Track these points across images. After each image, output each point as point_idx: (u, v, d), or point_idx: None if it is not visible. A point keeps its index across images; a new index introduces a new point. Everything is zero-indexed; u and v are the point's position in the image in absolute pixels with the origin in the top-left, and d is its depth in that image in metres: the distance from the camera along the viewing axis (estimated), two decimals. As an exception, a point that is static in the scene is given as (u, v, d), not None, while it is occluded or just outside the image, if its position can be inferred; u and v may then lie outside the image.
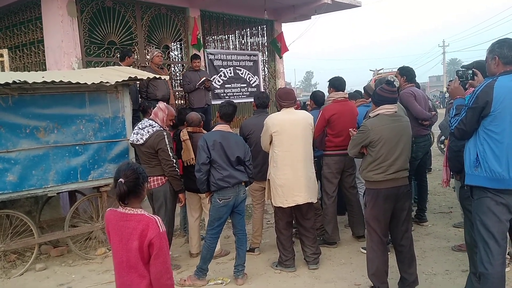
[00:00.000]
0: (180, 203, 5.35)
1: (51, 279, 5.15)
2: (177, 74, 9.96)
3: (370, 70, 22.90)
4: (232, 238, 5.25)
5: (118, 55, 7.59)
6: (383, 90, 4.18)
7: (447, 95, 19.96)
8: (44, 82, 4.95)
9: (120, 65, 7.13)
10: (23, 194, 5.13)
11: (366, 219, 4.26)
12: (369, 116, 4.28)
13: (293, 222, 5.17)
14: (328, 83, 5.92)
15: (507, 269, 3.95)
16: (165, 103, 5.36)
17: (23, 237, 5.37)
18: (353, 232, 5.97)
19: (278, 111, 5.04)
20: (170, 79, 8.91)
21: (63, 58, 7.06)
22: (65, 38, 7.07)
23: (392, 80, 5.70)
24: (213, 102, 8.68)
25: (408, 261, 4.21)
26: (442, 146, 11.17)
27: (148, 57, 8.61)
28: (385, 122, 4.10)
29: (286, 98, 4.90)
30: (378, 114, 4.16)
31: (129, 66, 7.19)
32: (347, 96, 5.84)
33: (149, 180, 5.05)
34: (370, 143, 4.09)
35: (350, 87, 6.42)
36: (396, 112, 4.19)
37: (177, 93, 9.91)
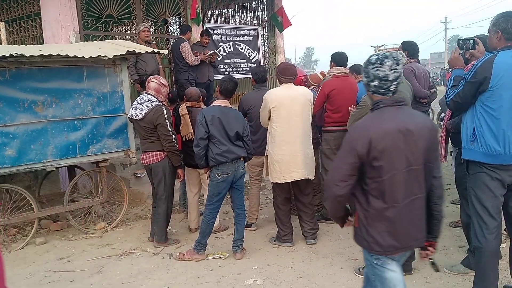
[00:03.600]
0: (179, 178, 5.38)
1: (51, 253, 5.21)
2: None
3: (371, 46, 22.72)
4: (231, 213, 5.29)
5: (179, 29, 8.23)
6: None
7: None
8: (41, 55, 4.90)
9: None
10: (22, 168, 5.14)
11: None
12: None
13: (292, 197, 5.21)
14: (330, 57, 5.87)
15: (503, 245, 3.99)
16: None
17: (23, 212, 5.40)
18: (350, 207, 5.99)
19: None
20: (168, 53, 8.86)
21: (61, 31, 7.00)
22: (62, 11, 7.00)
23: (402, 55, 5.62)
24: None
25: (405, 237, 4.23)
26: (442, 123, 11.16)
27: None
28: None
29: (285, 73, 4.87)
30: None
31: (188, 40, 8.01)
32: (347, 71, 5.79)
33: (147, 155, 5.09)
34: None
35: (351, 63, 6.39)
36: None
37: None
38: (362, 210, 2.56)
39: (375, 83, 2.53)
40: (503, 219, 3.57)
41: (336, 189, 2.50)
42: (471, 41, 3.79)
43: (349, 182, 2.49)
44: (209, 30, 9.22)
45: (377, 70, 2.52)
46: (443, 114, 10.80)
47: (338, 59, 5.76)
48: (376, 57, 2.57)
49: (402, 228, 2.49)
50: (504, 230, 4.21)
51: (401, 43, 6.37)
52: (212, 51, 8.24)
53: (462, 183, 4.16)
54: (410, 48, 6.20)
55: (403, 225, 2.49)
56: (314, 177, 5.02)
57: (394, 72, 2.51)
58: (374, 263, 2.58)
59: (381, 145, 2.40)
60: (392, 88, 2.52)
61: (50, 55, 4.93)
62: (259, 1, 10.96)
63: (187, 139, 5.28)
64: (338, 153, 2.60)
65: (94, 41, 7.06)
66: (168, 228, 5.40)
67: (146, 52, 5.79)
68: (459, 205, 4.86)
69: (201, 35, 8.37)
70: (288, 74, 4.87)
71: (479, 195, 3.40)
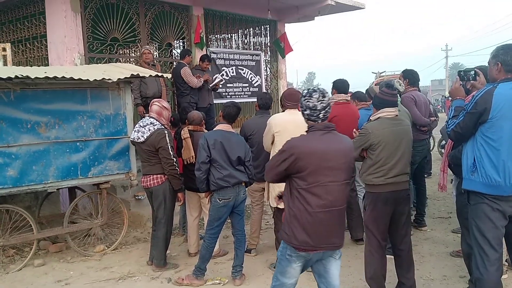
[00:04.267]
0: (179, 202, 5.38)
1: (49, 275, 5.17)
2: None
3: (373, 72, 22.88)
4: (231, 238, 5.27)
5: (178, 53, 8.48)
6: (383, 93, 4.22)
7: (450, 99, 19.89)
8: (46, 77, 4.94)
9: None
10: (23, 189, 5.14)
11: (365, 223, 4.27)
12: (370, 120, 4.30)
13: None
14: (332, 84, 5.94)
15: (504, 276, 3.97)
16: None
17: (22, 232, 5.38)
18: (351, 235, 5.98)
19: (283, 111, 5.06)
20: (172, 77, 8.94)
21: (66, 53, 7.07)
22: (68, 34, 7.09)
23: (399, 83, 5.68)
24: (214, 101, 8.74)
25: (406, 266, 4.23)
26: (443, 150, 11.16)
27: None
28: (386, 125, 4.12)
29: (290, 99, 4.92)
30: (379, 117, 4.19)
31: (188, 64, 8.10)
32: (349, 98, 5.85)
33: (148, 178, 5.09)
34: (370, 146, 4.11)
35: (352, 89, 6.49)
36: (397, 115, 4.22)
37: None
38: (288, 209, 3.07)
39: (307, 112, 3.06)
40: (505, 250, 3.56)
41: (268, 178, 3.22)
42: (472, 72, 3.85)
43: (278, 178, 3.12)
44: (212, 54, 9.35)
45: (307, 101, 3.05)
46: (443, 142, 10.86)
47: (340, 86, 5.83)
48: (306, 91, 3.10)
49: (317, 230, 2.96)
50: (506, 261, 4.20)
51: (402, 72, 6.44)
52: (219, 80, 8.44)
53: (463, 213, 4.15)
54: (410, 77, 6.27)
55: (318, 228, 2.96)
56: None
57: (321, 103, 3.02)
58: (287, 257, 3.08)
59: (304, 160, 2.92)
60: (320, 115, 3.04)
61: (55, 77, 4.97)
62: (262, 27, 11.12)
63: (188, 162, 5.30)
64: (274, 156, 3.14)
65: (99, 64, 7.16)
66: (167, 252, 5.37)
67: (153, 75, 5.83)
68: (460, 235, 4.85)
69: (201, 59, 8.39)
70: (293, 100, 4.91)
71: (480, 226, 3.39)
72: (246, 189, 4.95)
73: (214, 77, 8.47)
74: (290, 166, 2.96)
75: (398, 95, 5.60)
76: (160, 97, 7.27)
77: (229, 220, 4.99)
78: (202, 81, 8.07)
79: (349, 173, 3.08)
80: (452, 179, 5.07)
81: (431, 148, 10.37)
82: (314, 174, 2.93)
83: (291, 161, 2.94)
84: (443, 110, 33.63)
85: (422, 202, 6.50)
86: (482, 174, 3.35)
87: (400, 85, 5.90)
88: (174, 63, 9.32)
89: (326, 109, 3.03)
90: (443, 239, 5.93)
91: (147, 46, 7.70)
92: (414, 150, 5.59)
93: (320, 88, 3.09)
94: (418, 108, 6.04)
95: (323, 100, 3.02)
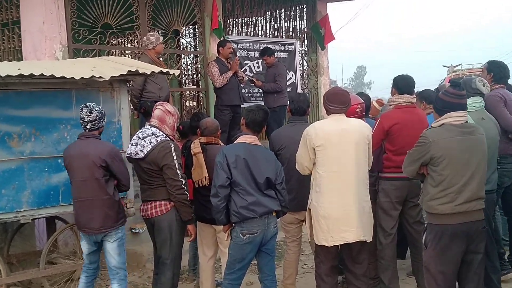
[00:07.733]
0: (189, 237, 5.38)
1: (20, 331, 5.22)
2: (189, 67, 10.04)
3: (444, 66, 22.62)
4: (257, 285, 5.25)
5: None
6: (447, 95, 4.23)
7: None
8: (21, 75, 5.01)
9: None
10: (-12, 219, 5.23)
11: (426, 264, 4.22)
12: (432, 126, 4.26)
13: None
14: (392, 82, 5.87)
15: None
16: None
17: (-14, 275, 5.45)
18: (418, 283, 5.87)
19: None
20: (179, 75, 9.01)
21: (44, 44, 7.21)
22: (47, 19, 7.22)
23: (482, 83, 5.55)
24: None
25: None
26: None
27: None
28: (452, 133, 4.10)
29: (333, 101, 4.85)
30: (443, 124, 4.15)
31: (225, 57, 8.49)
32: (414, 101, 5.74)
33: (149, 206, 5.10)
34: (431, 159, 4.08)
35: (416, 88, 6.35)
36: (467, 122, 4.19)
37: (188, 92, 10.01)
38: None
39: (80, 121, 4.92)
40: None
41: None
42: None
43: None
44: (232, 44, 9.40)
45: (80, 113, 4.87)
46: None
47: (402, 84, 5.73)
48: (81, 106, 4.90)
49: (79, 216, 4.96)
50: None
51: (487, 63, 6.29)
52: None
53: None
54: (496, 71, 6.09)
55: (77, 215, 5.00)
56: (371, 239, 4.96)
57: (88, 116, 4.84)
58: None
59: (66, 162, 4.91)
60: (88, 126, 4.89)
61: (32, 75, 5.04)
62: (297, 7, 11.14)
63: (201, 185, 5.29)
64: None
65: (87, 58, 7.25)
66: (174, 303, 5.37)
67: (156, 72, 5.84)
68: None
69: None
70: (338, 102, 4.85)
71: None
72: (278, 220, 4.92)
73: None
74: (66, 168, 4.99)
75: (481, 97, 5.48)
76: (168, 100, 7.27)
77: (255, 262, 4.97)
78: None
79: (94, 172, 4.77)
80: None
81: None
82: (69, 172, 4.90)
83: (65, 164, 4.95)
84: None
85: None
86: None
87: (483, 85, 5.70)
88: (183, 56, 9.40)
89: (93, 122, 4.86)
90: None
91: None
92: (501, 168, 5.46)
93: (91, 105, 4.84)
94: (508, 110, 5.86)
95: (90, 115, 4.82)
